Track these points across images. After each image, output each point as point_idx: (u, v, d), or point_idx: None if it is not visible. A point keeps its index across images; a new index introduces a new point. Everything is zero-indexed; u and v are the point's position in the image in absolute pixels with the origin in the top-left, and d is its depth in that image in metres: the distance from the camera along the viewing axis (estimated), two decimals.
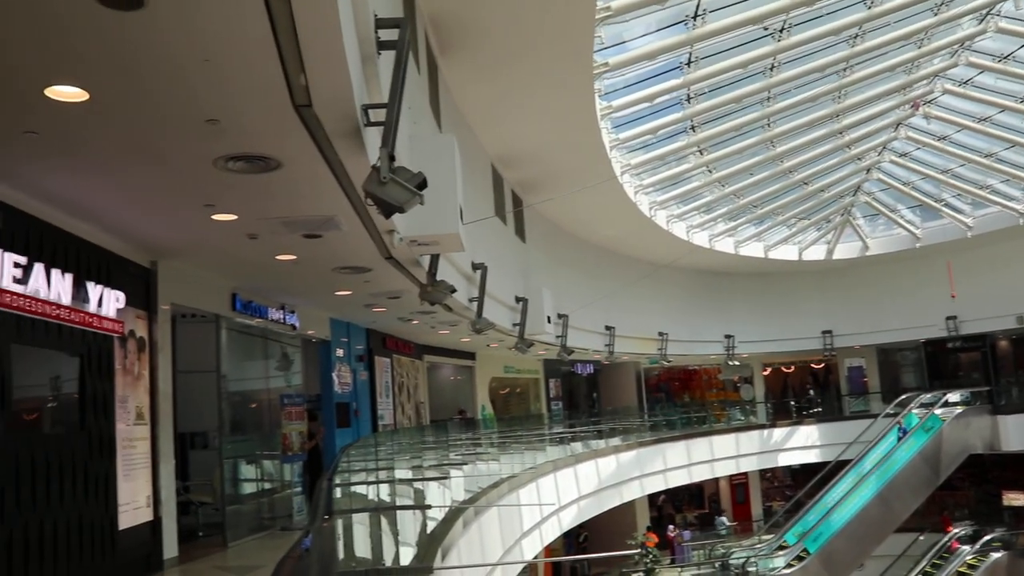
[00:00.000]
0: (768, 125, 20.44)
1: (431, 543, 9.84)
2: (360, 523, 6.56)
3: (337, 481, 8.84)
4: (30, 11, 4.42)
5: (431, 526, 10.77)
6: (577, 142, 16.08)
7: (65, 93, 5.32)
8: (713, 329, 30.08)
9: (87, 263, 8.64)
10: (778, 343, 31.52)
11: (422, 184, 6.07)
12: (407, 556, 8.68)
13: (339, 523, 6.11)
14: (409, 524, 9.77)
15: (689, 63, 16.17)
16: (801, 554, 25.26)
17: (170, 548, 10.38)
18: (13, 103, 5.55)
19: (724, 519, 30.85)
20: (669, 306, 28.32)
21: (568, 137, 15.85)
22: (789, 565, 25.08)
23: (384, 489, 10.54)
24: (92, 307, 8.61)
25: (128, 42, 4.77)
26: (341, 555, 5.61)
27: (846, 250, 30.28)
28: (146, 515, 9.86)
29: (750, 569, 25.12)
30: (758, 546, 27.41)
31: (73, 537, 8.13)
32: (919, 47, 19.11)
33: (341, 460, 10.67)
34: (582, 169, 17.35)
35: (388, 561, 7.62)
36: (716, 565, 26.51)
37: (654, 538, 26.69)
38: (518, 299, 17.18)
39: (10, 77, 5.17)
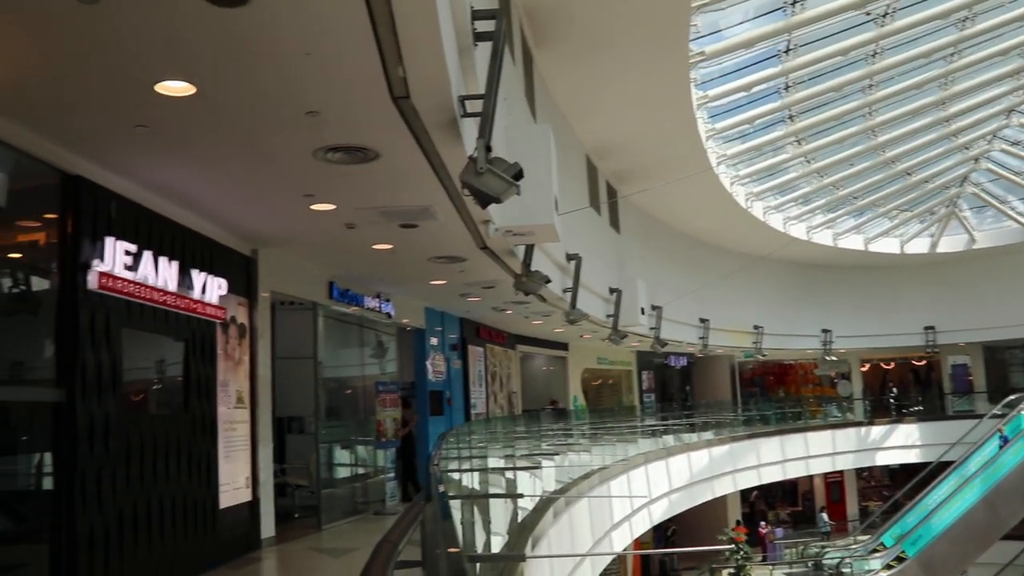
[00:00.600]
0: (870, 113, 19.89)
1: (522, 531, 9.90)
2: (455, 509, 6.64)
3: (445, 466, 8.94)
4: (141, 11, 4.58)
5: (521, 515, 10.82)
6: (672, 132, 15.93)
7: (174, 88, 5.51)
8: (810, 323, 29.47)
9: (192, 251, 8.92)
10: (878, 339, 30.65)
11: (519, 175, 6.10)
12: (497, 544, 8.74)
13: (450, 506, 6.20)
14: (500, 512, 9.83)
15: (787, 51, 15.84)
16: (900, 556, 24.54)
17: (267, 528, 10.67)
18: (125, 98, 5.77)
19: (825, 516, 30.15)
20: (765, 299, 27.84)
21: (663, 127, 15.71)
22: (887, 567, 24.33)
23: (477, 476, 10.63)
24: (196, 294, 8.89)
25: (234, 38, 4.91)
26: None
27: (951, 243, 29.26)
28: (245, 496, 10.16)
29: (845, 570, 24.51)
30: (853, 547, 26.73)
31: (178, 515, 8.43)
32: None
33: (442, 446, 10.81)
34: (677, 159, 17.18)
35: (479, 548, 7.67)
36: (809, 564, 25.97)
37: (743, 531, 26.32)
38: (612, 290, 17.13)
39: (123, 74, 5.38)
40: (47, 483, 6.91)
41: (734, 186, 20.43)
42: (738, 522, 28.34)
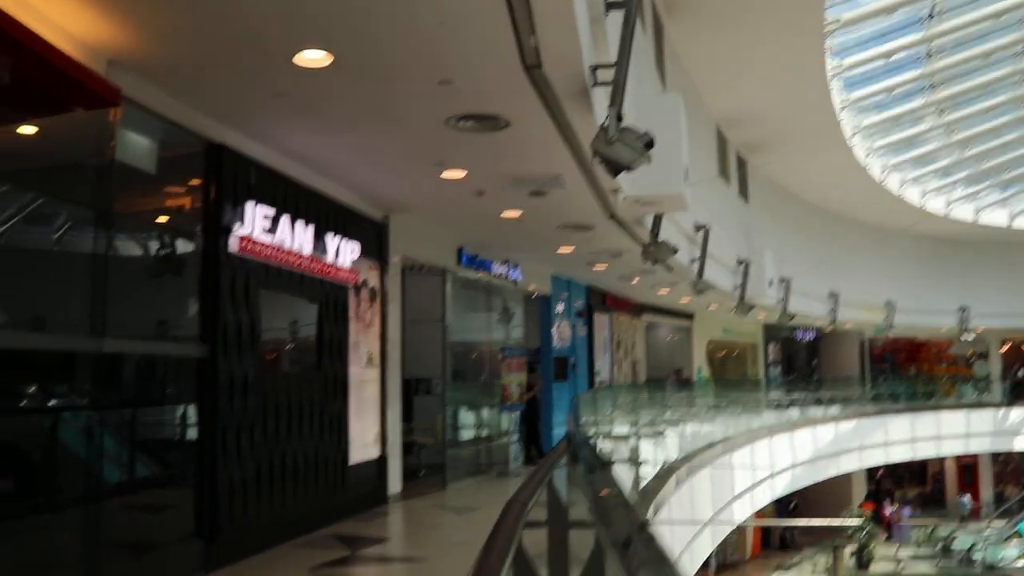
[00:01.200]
0: (1021, 82, 18.86)
1: (644, 498, 9.93)
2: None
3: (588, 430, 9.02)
4: None
5: (643, 483, 10.84)
6: (805, 102, 15.48)
7: (312, 58, 5.67)
8: (945, 300, 28.23)
9: (326, 217, 9.19)
10: (1019, 318, 29.19)
11: (649, 144, 6.07)
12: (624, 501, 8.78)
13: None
14: (624, 478, 9.89)
15: (931, 16, 15.14)
16: None
17: (394, 484, 11.00)
18: (266, 69, 5.99)
19: (966, 500, 29.06)
20: (898, 274, 26.82)
21: (796, 97, 15.29)
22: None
23: (608, 442, 10.71)
24: (330, 258, 9.17)
25: (370, 7, 5.02)
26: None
27: None
28: (374, 452, 10.49)
29: (976, 556, 23.63)
30: (986, 533, 25.74)
31: (310, 469, 8.77)
32: None
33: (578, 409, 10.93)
34: (810, 130, 16.70)
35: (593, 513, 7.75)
36: (937, 548, 25.13)
37: (869, 508, 25.66)
38: (739, 261, 16.84)
39: (263, 45, 5.58)
40: (191, 434, 7.30)
41: (869, 158, 19.73)
42: (866, 498, 27.64)
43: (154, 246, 7.12)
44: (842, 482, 26.12)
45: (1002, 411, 29.28)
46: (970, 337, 29.74)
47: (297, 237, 8.43)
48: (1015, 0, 15.20)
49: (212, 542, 7.13)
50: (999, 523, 26.42)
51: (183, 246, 7.36)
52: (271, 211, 7.97)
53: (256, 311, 7.78)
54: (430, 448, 13.51)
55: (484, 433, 14.70)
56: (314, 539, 8.47)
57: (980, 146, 21.93)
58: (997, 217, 26.55)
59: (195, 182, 7.35)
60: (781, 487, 20.02)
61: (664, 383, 22.27)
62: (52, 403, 6.20)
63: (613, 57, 6.19)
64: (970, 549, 23.76)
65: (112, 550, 6.14)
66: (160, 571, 6.73)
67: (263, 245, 7.82)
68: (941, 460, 31.90)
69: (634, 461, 11.06)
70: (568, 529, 5.14)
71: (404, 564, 7.89)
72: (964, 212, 25.64)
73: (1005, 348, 33.16)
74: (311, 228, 8.73)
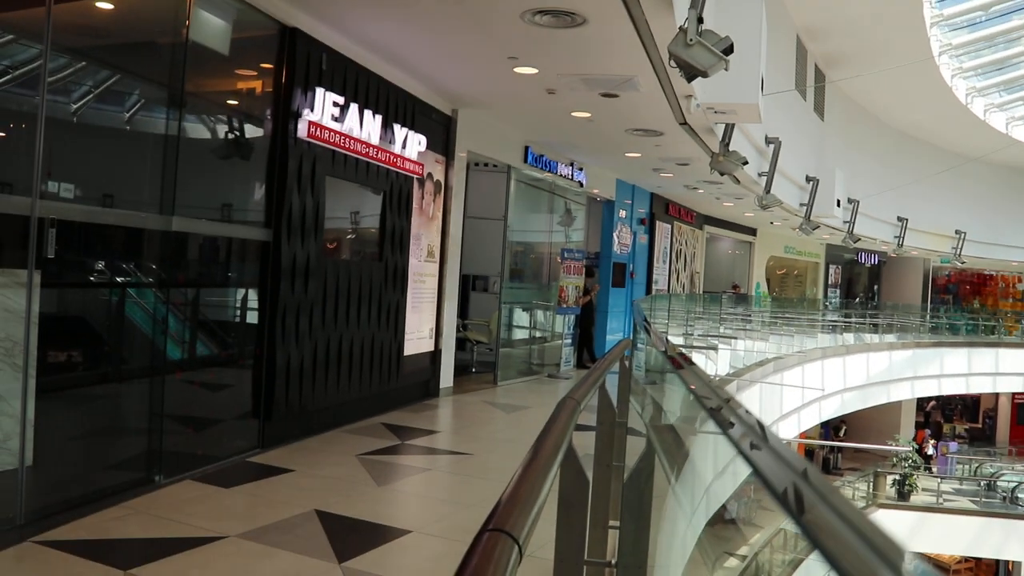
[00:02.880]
0: None
1: (691, 410, 9.93)
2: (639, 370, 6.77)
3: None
4: None
5: (690, 397, 10.83)
6: (894, 15, 14.85)
7: None
8: (1019, 234, 27.45)
9: (395, 107, 9.12)
10: None
11: (728, 49, 5.89)
12: (670, 419, 8.82)
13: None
14: (670, 393, 9.91)
15: None
16: None
17: (446, 378, 11.15)
18: None
19: None
20: (972, 204, 26.02)
21: (884, 9, 14.66)
22: None
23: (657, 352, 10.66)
24: (397, 148, 9.13)
25: None
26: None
27: None
28: (428, 346, 10.60)
29: (1021, 495, 23.44)
30: None
31: (365, 356, 8.90)
32: None
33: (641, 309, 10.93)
34: (896, 46, 16.06)
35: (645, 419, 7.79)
36: (982, 484, 24.96)
37: (923, 435, 25.49)
38: (808, 178, 16.47)
39: None
40: (251, 316, 7.43)
41: (955, 79, 18.99)
42: (918, 426, 27.45)
43: (223, 129, 7.13)
44: (891, 410, 25.92)
45: None
46: None
47: (365, 126, 8.40)
48: None
49: (267, 422, 7.33)
50: None
51: (252, 130, 7.36)
52: (341, 98, 7.93)
53: (321, 198, 7.81)
54: (484, 345, 13.65)
55: (538, 334, 14.79)
56: (365, 426, 8.67)
57: None
58: None
59: (267, 66, 7.31)
60: (829, 410, 19.92)
61: (721, 296, 22.14)
62: (120, 279, 6.33)
63: None
64: (1016, 488, 23.55)
65: (173, 422, 6.33)
66: (217, 445, 6.94)
67: (331, 132, 7.80)
68: (996, 396, 31.45)
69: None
70: (618, 433, 5.18)
71: (451, 456, 8.03)
72: None
73: None
74: (379, 118, 8.68)
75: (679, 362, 3.17)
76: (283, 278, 7.33)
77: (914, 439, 25.70)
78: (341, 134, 7.97)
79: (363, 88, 8.42)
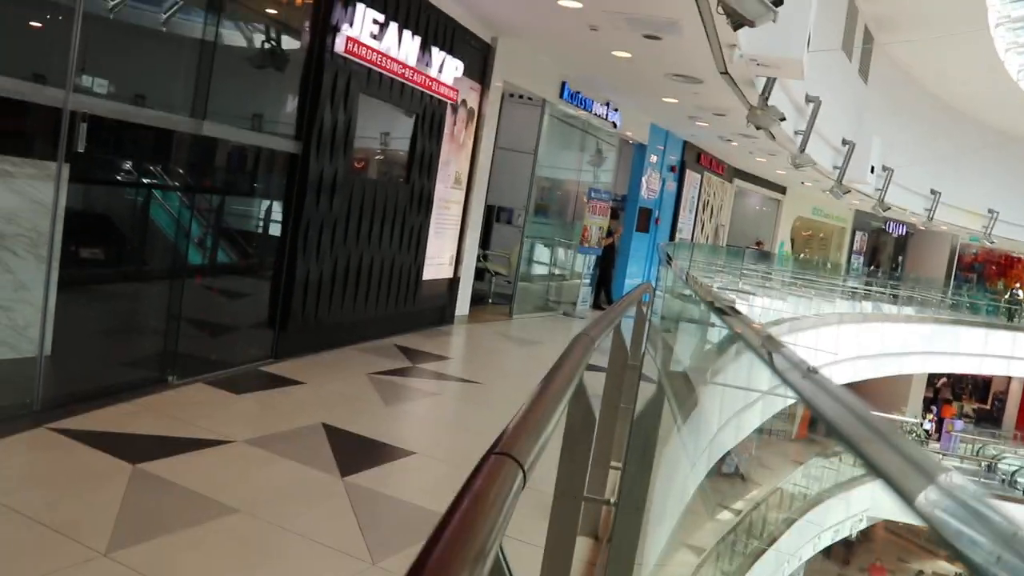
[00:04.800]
0: None
1: (703, 359, 9.96)
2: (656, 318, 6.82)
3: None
4: None
5: (706, 347, 10.85)
6: None
7: None
8: None
9: (435, 29, 9.01)
10: None
11: (779, 1, 5.78)
12: (681, 367, 8.85)
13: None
14: (686, 341, 9.93)
15: None
16: None
17: (462, 307, 11.18)
18: None
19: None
20: (1008, 183, 25.56)
21: None
22: None
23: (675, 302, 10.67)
24: (433, 72, 9.04)
25: None
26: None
27: None
28: (447, 272, 10.63)
29: (1020, 479, 23.48)
30: None
31: (384, 277, 8.94)
32: None
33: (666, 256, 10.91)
34: (951, 12, 15.67)
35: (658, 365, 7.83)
36: (983, 465, 25.01)
37: (952, 411, 25.44)
38: (845, 141, 16.26)
39: None
40: (275, 228, 7.45)
41: (1008, 53, 18.55)
42: (948, 402, 27.41)
43: (260, 38, 7.07)
44: (901, 383, 25.90)
45: None
46: None
47: (403, 46, 8.32)
48: None
49: (282, 333, 7.40)
50: None
51: (289, 41, 7.30)
52: (381, 16, 7.84)
53: (353, 115, 7.76)
54: (502, 277, 13.67)
55: (557, 271, 14.79)
56: (378, 346, 8.74)
57: None
58: None
59: None
60: (842, 376, 19.89)
61: (743, 252, 22.05)
62: (147, 180, 6.35)
63: None
64: (1016, 472, 23.60)
65: (190, 326, 6.39)
66: (231, 352, 7.02)
67: (369, 49, 7.73)
68: (1008, 379, 31.34)
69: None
70: (629, 376, 5.21)
71: (460, 383, 8.10)
72: None
73: None
74: (418, 39, 8.59)
75: (724, 308, 3.16)
76: (309, 192, 7.33)
77: (939, 413, 25.67)
78: (378, 52, 7.89)
79: (404, 7, 8.32)
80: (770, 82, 10.26)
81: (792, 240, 28.00)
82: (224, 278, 7.29)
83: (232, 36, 6.63)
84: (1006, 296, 29.92)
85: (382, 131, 9.04)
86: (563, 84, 12.46)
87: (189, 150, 6.16)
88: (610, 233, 15.58)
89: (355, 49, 7.53)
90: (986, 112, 22.64)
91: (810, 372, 1.36)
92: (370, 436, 5.69)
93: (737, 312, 2.94)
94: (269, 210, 7.65)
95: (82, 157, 5.12)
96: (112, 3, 5.51)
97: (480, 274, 12.87)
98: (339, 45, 7.36)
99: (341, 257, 8.02)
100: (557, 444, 2.35)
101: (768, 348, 1.76)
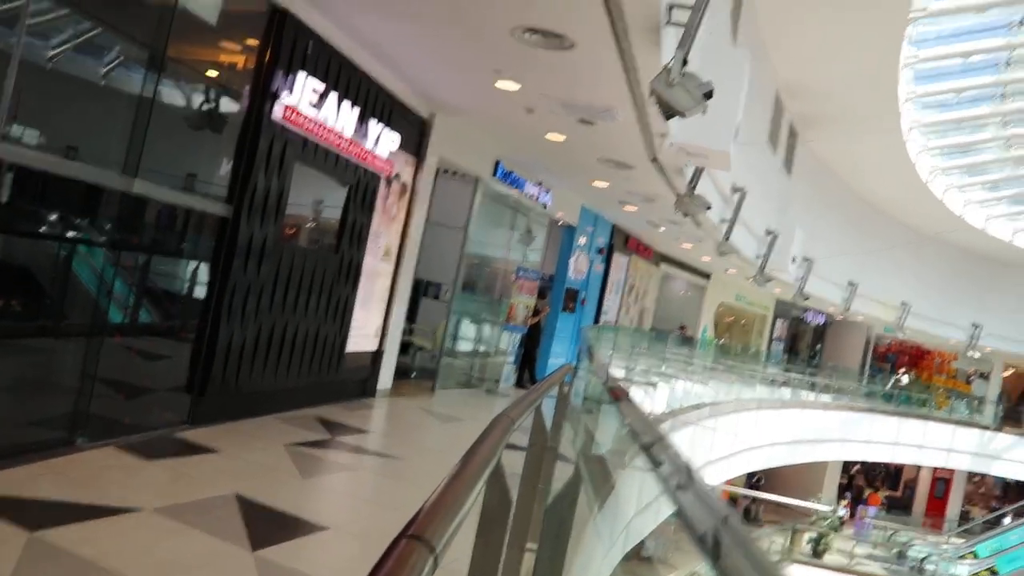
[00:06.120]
0: None
1: (621, 442, 10.01)
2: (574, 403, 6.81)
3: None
4: None
5: (623, 430, 10.89)
6: (871, 86, 15.12)
7: None
8: (960, 314, 27.96)
9: (373, 102, 9.10)
10: None
11: (708, 94, 5.96)
12: (601, 450, 8.87)
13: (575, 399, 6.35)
14: (609, 421, 9.96)
15: (1022, 23, 14.70)
16: (991, 570, 23.73)
17: (385, 380, 11.10)
18: None
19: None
20: (920, 278, 26.51)
21: (863, 79, 14.92)
22: None
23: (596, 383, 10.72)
24: (369, 144, 9.10)
25: None
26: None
27: None
28: (371, 345, 10.55)
29: (928, 567, 23.89)
30: (944, 547, 25.98)
31: (309, 344, 8.84)
32: None
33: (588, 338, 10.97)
34: (869, 116, 16.35)
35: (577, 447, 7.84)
36: (893, 551, 25.42)
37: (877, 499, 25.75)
38: (768, 232, 16.69)
39: None
40: (200, 290, 7.34)
41: (920, 155, 19.37)
42: (874, 490, 27.80)
43: (199, 99, 7.06)
44: (816, 469, 26.34)
45: (989, 434, 29.22)
46: (976, 355, 29.57)
47: (342, 117, 8.37)
48: None
49: (200, 398, 7.24)
50: (958, 540, 26.65)
51: (227, 104, 7.30)
52: (321, 86, 7.90)
53: (287, 182, 7.76)
54: (427, 352, 13.61)
55: (482, 348, 14.78)
56: (298, 417, 8.59)
57: None
58: None
59: (252, 42, 7.27)
60: (758, 461, 20.17)
61: (667, 336, 22.32)
62: (71, 234, 6.23)
63: None
64: (924, 559, 24.01)
65: (105, 386, 6.22)
66: (145, 416, 6.85)
67: (307, 118, 7.76)
68: (918, 468, 32.08)
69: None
70: (547, 458, 5.20)
71: (379, 458, 8.00)
72: (1001, 230, 25.27)
73: (1008, 373, 33.06)
74: (356, 111, 8.66)
75: (619, 393, 3.19)
76: (237, 256, 7.26)
77: (865, 502, 26.04)
78: (316, 122, 7.93)
79: (345, 79, 8.40)
80: (698, 171, 10.52)
81: (715, 325, 28.45)
82: (144, 339, 7.14)
83: (171, 95, 6.61)
84: (891, 380, 30.89)
85: (315, 200, 9.03)
86: (497, 163, 12.63)
87: (118, 206, 6.07)
88: (536, 312, 15.66)
89: (293, 117, 7.56)
90: (900, 209, 23.56)
91: (689, 475, 1.39)
92: (284, 509, 5.57)
93: (630, 400, 2.98)
94: (195, 272, 7.54)
95: (5, 207, 5.02)
96: (52, 52, 5.46)
97: (405, 347, 12.79)
98: (277, 112, 7.38)
99: (265, 324, 7.93)
100: (473, 524, 2.33)
101: (647, 444, 1.80)
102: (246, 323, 7.60)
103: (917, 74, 16.05)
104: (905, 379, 32.04)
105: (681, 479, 1.45)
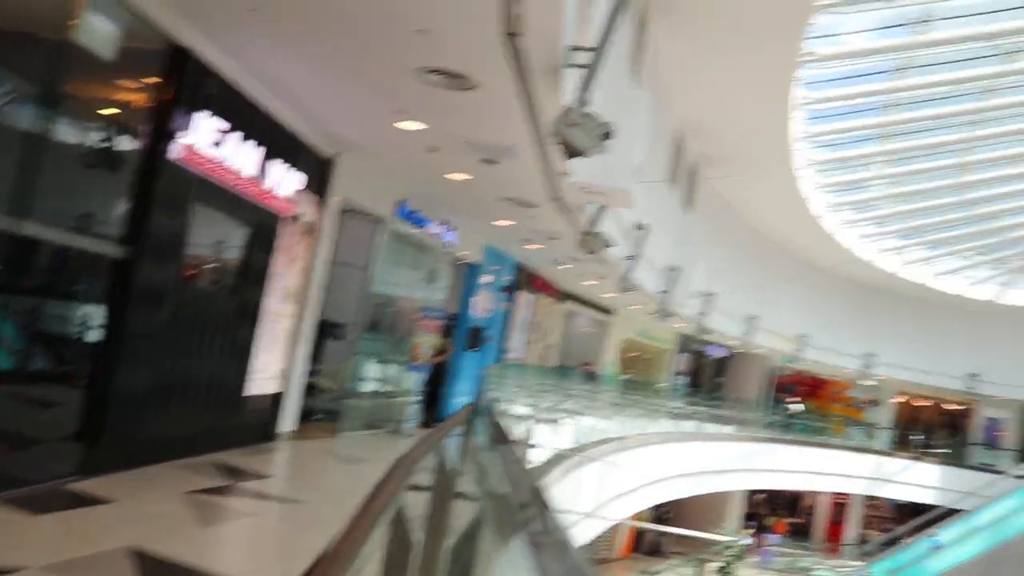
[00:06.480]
0: (967, 150, 19.34)
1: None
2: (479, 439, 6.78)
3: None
4: None
5: (533, 465, 10.91)
6: (765, 126, 15.63)
7: None
8: (855, 343, 28.98)
9: (276, 143, 8.98)
10: (918, 374, 30.11)
11: (607, 135, 6.07)
12: (505, 488, 8.85)
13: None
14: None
15: (900, 69, 15.41)
16: None
17: (288, 423, 10.90)
18: None
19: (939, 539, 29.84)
20: (816, 310, 27.41)
21: (757, 120, 15.42)
22: None
23: (502, 420, 10.71)
24: (271, 185, 8.98)
25: None
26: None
27: (1016, 296, 28.60)
28: (273, 387, 10.36)
29: None
30: (842, 570, 26.68)
31: (206, 392, 8.63)
32: None
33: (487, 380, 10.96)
34: (763, 155, 16.90)
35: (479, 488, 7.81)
36: None
37: (783, 527, 26.15)
38: (670, 268, 17.01)
39: None
40: (94, 335, 7.10)
41: (814, 192, 20.07)
42: (777, 520, 28.32)
43: (95, 137, 6.87)
44: (719, 499, 26.75)
45: (883, 458, 30.21)
46: (870, 383, 30.63)
47: (243, 157, 8.24)
48: (975, 72, 15.55)
49: (93, 448, 6.96)
50: (856, 563, 27.36)
51: (124, 143, 7.11)
52: (223, 125, 7.77)
53: (185, 223, 7.59)
54: (330, 393, 13.41)
55: (386, 388, 14.63)
56: (196, 463, 8.33)
57: (917, 203, 22.45)
58: (919, 273, 27.29)
59: (151, 81, 7.11)
60: (664, 494, 20.41)
61: (572, 372, 22.48)
62: None
63: (593, 40, 6.16)
64: None
65: None
66: (36, 466, 6.56)
67: (206, 159, 7.62)
68: (815, 494, 32.93)
69: (528, 442, 11.13)
70: (451, 497, 5.15)
71: (281, 504, 7.83)
72: (889, 263, 26.30)
73: (899, 400, 34.28)
74: (259, 151, 8.54)
75: (503, 438, 3.20)
76: (134, 299, 7.05)
77: (770, 529, 26.53)
78: (216, 162, 7.79)
79: (247, 118, 8.27)
80: (600, 209, 10.69)
81: (620, 360, 28.76)
82: (34, 386, 6.85)
83: (65, 133, 6.40)
84: (785, 410, 31.78)
85: (216, 240, 8.85)
86: (401, 202, 12.60)
87: (7, 248, 5.84)
88: (441, 351, 15.61)
89: (193, 157, 7.41)
90: (796, 244, 24.35)
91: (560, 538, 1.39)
92: (182, 561, 5.39)
93: (514, 442, 3.00)
94: (90, 316, 7.29)
95: None
96: None
97: (309, 389, 12.59)
98: (177, 152, 7.22)
99: (163, 368, 7.70)
100: (377, 566, 2.30)
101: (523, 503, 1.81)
102: (142, 367, 7.37)
103: (809, 113, 16.65)
104: (797, 408, 32.92)
105: (547, 538, 1.46)
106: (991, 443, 32.13)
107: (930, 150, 19.26)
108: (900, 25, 14.17)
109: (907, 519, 28.21)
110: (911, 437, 33.00)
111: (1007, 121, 18.12)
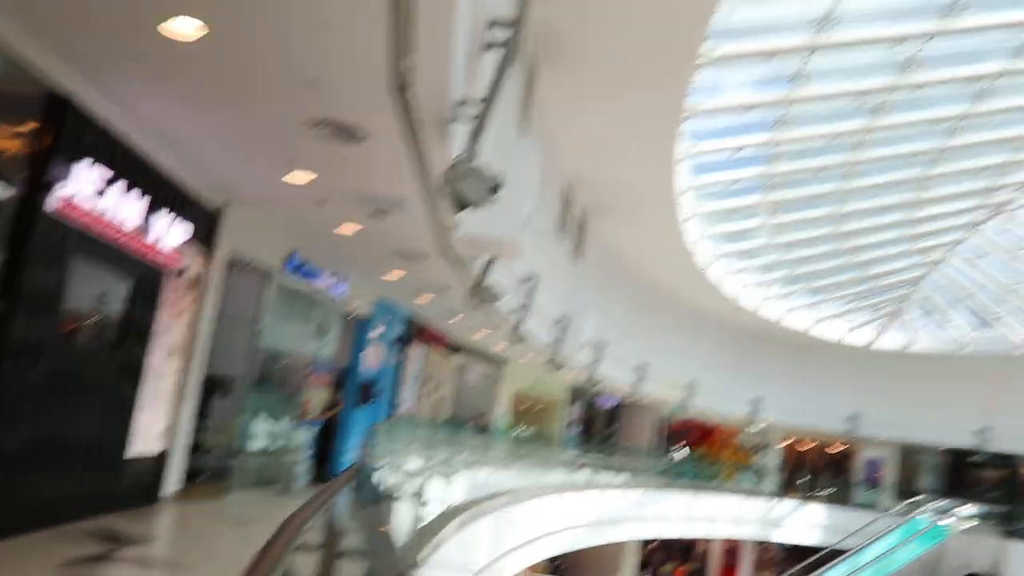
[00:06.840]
0: (843, 200, 20.23)
1: (424, 536, 9.92)
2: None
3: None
4: None
5: (426, 521, 10.82)
6: (650, 178, 15.98)
7: (182, 27, 5.46)
8: (742, 389, 29.76)
9: (161, 193, 8.78)
10: (802, 417, 31.13)
11: (495, 188, 6.15)
12: (398, 541, 8.75)
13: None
14: (406, 511, 9.86)
15: (777, 123, 16.04)
16: None
17: (172, 484, 10.54)
18: (129, 27, 5.72)
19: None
20: (703, 358, 28.06)
21: (642, 171, 15.76)
22: None
23: (394, 476, 10.62)
24: (155, 237, 8.77)
25: None
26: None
27: (891, 340, 29.90)
28: (157, 447, 10.01)
29: None
30: None
31: (85, 453, 8.27)
32: (1015, 153, 18.81)
33: (374, 439, 10.84)
34: (649, 206, 17.29)
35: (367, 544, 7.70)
36: None
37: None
38: (560, 319, 17.17)
39: (134, 4, 5.33)
40: None
41: (699, 242, 20.61)
42: (675, 567, 28.50)
43: None
44: (614, 549, 26.86)
45: (771, 501, 30.92)
46: (758, 428, 31.41)
47: (125, 209, 8.02)
48: (853, 126, 16.32)
49: None
50: None
51: None
52: (104, 175, 7.56)
53: (63, 277, 7.33)
54: (218, 452, 13.04)
55: (277, 445, 14.31)
56: (73, 530, 7.88)
57: (798, 252, 23.31)
58: (801, 320, 28.25)
59: (27, 127, 6.88)
60: (560, 545, 20.39)
61: (465, 425, 22.41)
62: None
63: (481, 93, 6.25)
64: None
65: None
66: None
67: (85, 211, 7.39)
68: (708, 540, 33.42)
69: (420, 498, 11.04)
70: (339, 557, 5.07)
71: (163, 570, 7.54)
72: (773, 311, 27.14)
73: (785, 443, 35.24)
74: (143, 202, 8.34)
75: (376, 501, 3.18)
76: (7, 356, 6.74)
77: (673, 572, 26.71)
78: (96, 214, 7.57)
79: (132, 167, 8.07)
80: (490, 261, 10.75)
81: (513, 412, 28.80)
82: None
83: None
84: (667, 458, 32.40)
85: (96, 294, 8.57)
86: (291, 254, 12.47)
87: None
88: (333, 406, 15.38)
89: (71, 209, 7.18)
90: (683, 293, 24.90)
91: None
92: None
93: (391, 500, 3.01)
94: None
95: None
96: None
97: (195, 448, 12.23)
98: (54, 203, 6.99)
99: (39, 428, 7.37)
100: None
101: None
102: (18, 427, 7.04)
103: (694, 165, 17.13)
104: (681, 455, 33.54)
105: None
106: (872, 482, 33.26)
107: (810, 201, 20.07)
108: (778, 80, 14.76)
109: (798, 560, 28.83)
110: (798, 480, 33.91)
111: (875, 174, 19.06)
